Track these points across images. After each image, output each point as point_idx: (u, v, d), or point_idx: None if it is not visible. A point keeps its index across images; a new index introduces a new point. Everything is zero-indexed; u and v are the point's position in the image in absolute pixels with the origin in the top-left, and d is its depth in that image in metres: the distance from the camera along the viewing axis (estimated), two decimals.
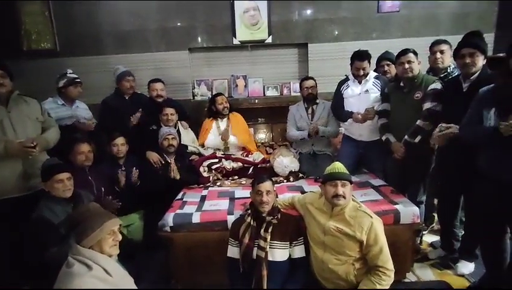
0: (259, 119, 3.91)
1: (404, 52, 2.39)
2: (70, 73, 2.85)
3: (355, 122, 2.70)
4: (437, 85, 2.29)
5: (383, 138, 2.58)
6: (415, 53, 2.40)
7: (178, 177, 2.73)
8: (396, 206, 2.15)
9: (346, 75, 2.91)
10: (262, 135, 3.86)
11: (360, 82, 2.75)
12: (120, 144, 2.71)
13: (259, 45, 3.94)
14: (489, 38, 3.53)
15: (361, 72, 2.70)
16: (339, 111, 2.88)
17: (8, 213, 2.10)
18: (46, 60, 3.81)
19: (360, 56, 2.69)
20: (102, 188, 2.45)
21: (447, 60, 2.52)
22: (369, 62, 2.73)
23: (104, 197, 2.35)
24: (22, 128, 2.18)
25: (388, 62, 2.90)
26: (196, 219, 2.16)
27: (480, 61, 2.04)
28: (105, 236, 1.35)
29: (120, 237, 1.41)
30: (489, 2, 3.72)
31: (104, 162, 2.70)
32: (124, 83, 3.14)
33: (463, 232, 2.46)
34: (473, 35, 2.12)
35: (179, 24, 3.87)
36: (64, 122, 2.71)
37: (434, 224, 2.90)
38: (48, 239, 1.74)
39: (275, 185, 2.12)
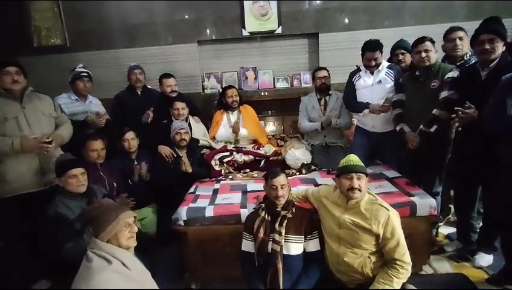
0: (270, 111, 3.88)
1: (421, 40, 2.31)
2: (80, 67, 2.86)
3: (371, 113, 2.63)
4: (454, 73, 2.23)
5: (398, 128, 2.53)
6: (432, 41, 2.32)
7: (190, 170, 2.73)
8: (413, 198, 2.12)
9: (357, 66, 2.84)
10: (273, 127, 3.84)
11: (372, 73, 2.68)
12: (130, 139, 2.72)
13: (268, 36, 3.89)
14: (508, 23, 3.38)
15: (373, 63, 2.63)
16: (352, 102, 2.81)
17: (25, 208, 2.14)
18: (57, 56, 3.85)
19: (371, 46, 2.62)
20: (114, 183, 2.47)
21: (466, 47, 2.44)
22: (381, 52, 2.65)
23: (117, 193, 2.37)
24: (36, 124, 2.21)
25: (403, 51, 2.81)
26: (209, 212, 2.16)
27: (500, 47, 1.97)
28: (122, 228, 1.37)
29: (136, 229, 1.43)
30: None
31: (116, 157, 2.72)
32: (131, 77, 3.15)
33: (480, 224, 2.41)
34: (492, 20, 2.05)
35: (187, 17, 3.85)
36: (77, 117, 2.73)
37: (450, 216, 2.85)
38: (63, 235, 1.76)
39: (288, 177, 2.09)
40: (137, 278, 1.34)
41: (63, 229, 1.79)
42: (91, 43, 3.87)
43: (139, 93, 3.19)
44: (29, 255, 2.19)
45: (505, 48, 2.00)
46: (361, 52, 2.71)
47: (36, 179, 2.21)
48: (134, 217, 1.46)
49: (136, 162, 2.71)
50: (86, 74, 2.85)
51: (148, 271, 1.45)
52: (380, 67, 2.66)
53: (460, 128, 2.26)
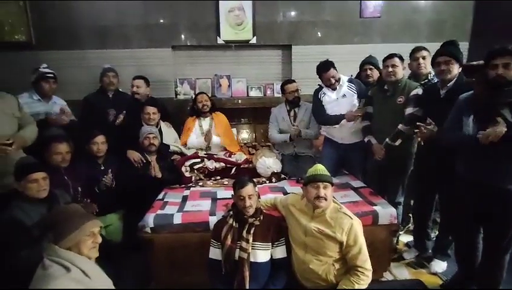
0: (243, 119, 3.91)
1: (391, 56, 2.45)
2: (44, 67, 2.76)
3: (349, 121, 2.67)
4: (419, 91, 2.38)
5: (365, 139, 2.64)
6: (401, 58, 2.46)
7: (159, 175, 2.69)
8: (375, 208, 2.22)
9: (319, 84, 2.91)
10: (245, 135, 3.87)
11: (334, 88, 2.78)
12: (100, 143, 2.62)
13: (243, 45, 3.93)
14: (464, 46, 3.67)
15: (332, 81, 2.73)
16: (326, 117, 2.81)
17: None
18: (20, 53, 3.64)
19: (325, 67, 2.72)
20: (79, 188, 2.37)
21: (429, 65, 2.61)
22: (335, 68, 2.74)
23: (82, 198, 2.28)
24: None
25: (371, 66, 2.95)
26: (177, 219, 2.14)
27: (455, 68, 2.13)
28: (85, 238, 1.32)
29: (100, 240, 1.38)
30: (465, 11, 3.87)
31: (82, 161, 2.62)
32: (104, 79, 3.08)
33: (436, 233, 2.56)
34: (449, 44, 2.23)
35: (161, 21, 3.81)
36: (39, 117, 2.62)
37: (410, 224, 2.99)
38: (18, 241, 1.66)
39: (257, 185, 2.12)
40: (96, 287, 1.29)
41: (17, 235, 1.69)
42: (59, 42, 3.70)
43: (111, 96, 3.11)
44: None
45: (460, 69, 2.17)
46: (318, 75, 2.79)
47: None
48: (100, 227, 1.41)
49: (103, 167, 2.63)
50: (51, 75, 2.74)
51: (110, 280, 1.40)
52: (340, 82, 2.76)
53: (422, 143, 2.40)
